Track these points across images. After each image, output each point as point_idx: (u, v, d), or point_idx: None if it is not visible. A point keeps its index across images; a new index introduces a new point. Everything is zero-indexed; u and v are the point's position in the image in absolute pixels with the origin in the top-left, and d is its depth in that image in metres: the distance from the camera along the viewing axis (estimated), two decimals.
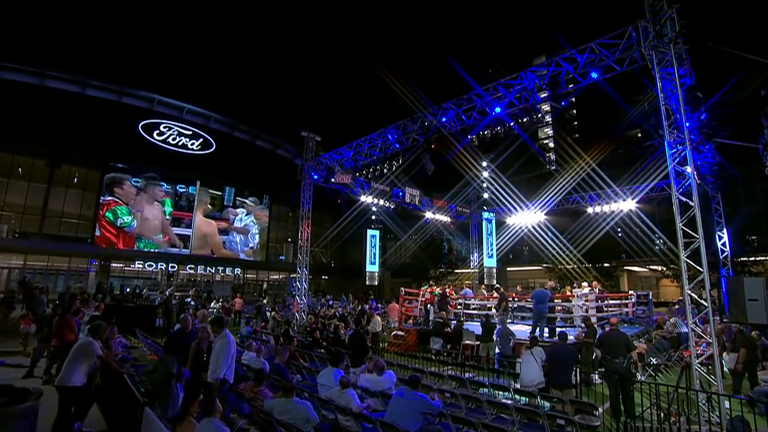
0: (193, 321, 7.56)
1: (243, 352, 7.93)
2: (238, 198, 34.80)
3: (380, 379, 6.04)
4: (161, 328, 14.29)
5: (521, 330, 11.94)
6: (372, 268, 18.94)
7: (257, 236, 35.75)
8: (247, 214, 35.36)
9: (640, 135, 31.36)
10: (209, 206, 33.16)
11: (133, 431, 4.60)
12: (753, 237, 22.72)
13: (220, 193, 34.05)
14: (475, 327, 11.70)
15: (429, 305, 13.57)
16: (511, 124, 12.05)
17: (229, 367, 5.51)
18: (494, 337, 9.92)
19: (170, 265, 30.36)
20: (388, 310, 16.40)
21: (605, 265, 24.88)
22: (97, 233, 27.33)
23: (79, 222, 27.48)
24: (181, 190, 31.69)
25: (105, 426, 5.64)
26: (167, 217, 30.80)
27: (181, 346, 6.44)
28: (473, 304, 14.82)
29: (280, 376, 6.54)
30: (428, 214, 21.04)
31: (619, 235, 22.28)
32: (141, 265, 29.50)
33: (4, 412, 3.48)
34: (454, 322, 12.28)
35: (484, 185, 22.27)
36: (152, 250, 29.69)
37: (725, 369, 8.17)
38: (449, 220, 22.51)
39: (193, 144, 33.27)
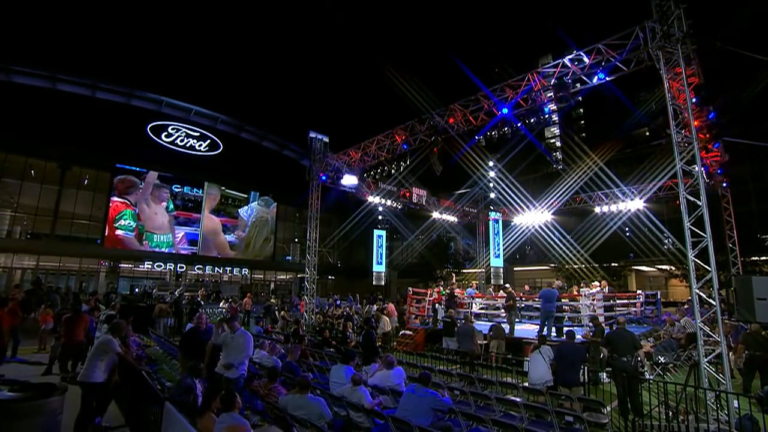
0: (206, 320, 7.71)
1: (254, 350, 8.05)
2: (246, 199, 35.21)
3: (390, 374, 6.17)
4: (172, 328, 14.52)
5: (529, 329, 12.03)
6: (379, 268, 19.03)
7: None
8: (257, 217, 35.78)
9: (647, 134, 31.12)
10: (220, 206, 33.54)
11: (152, 426, 4.75)
12: (764, 236, 22.50)
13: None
14: (482, 327, 11.79)
15: (437, 305, 13.64)
16: (518, 124, 12.11)
17: (244, 363, 5.64)
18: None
19: (179, 265, 30.71)
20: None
21: (613, 264, 24.73)
22: (107, 234, 27.75)
23: (90, 223, 27.84)
24: (188, 191, 32.03)
25: (123, 421, 5.80)
26: (171, 213, 31.00)
27: (196, 344, 6.60)
28: (482, 304, 14.89)
29: (292, 374, 6.67)
30: (435, 214, 21.07)
31: (627, 234, 22.18)
32: (150, 266, 29.86)
33: (36, 405, 3.65)
34: (463, 321, 12.31)
35: (491, 185, 22.28)
36: (162, 250, 30.02)
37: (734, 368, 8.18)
38: (456, 219, 22.54)
39: (200, 145, 33.58)
